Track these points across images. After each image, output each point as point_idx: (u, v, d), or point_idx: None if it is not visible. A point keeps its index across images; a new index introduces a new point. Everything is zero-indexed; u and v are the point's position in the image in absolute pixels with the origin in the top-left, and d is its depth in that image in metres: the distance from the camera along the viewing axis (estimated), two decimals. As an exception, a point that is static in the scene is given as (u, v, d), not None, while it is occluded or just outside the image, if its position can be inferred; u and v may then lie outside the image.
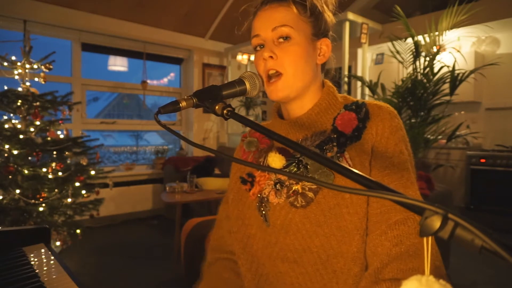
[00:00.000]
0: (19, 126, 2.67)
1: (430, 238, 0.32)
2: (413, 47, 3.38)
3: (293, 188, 0.72)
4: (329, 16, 0.77)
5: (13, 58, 2.73)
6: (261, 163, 0.80)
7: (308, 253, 0.68)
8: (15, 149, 2.51)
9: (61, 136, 2.87)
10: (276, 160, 0.74)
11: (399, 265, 0.60)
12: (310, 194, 0.70)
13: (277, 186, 0.74)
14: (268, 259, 0.73)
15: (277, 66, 0.71)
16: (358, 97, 4.20)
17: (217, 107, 0.58)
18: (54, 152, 2.75)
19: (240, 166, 0.88)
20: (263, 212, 0.75)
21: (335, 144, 0.71)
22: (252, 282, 0.77)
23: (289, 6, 0.71)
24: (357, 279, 0.66)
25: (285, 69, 0.71)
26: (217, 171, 4.06)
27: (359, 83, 4.11)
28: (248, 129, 0.88)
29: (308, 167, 0.71)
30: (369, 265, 0.66)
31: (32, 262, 0.80)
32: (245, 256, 0.78)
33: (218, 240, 0.90)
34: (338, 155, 0.70)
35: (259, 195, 0.77)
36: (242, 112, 4.82)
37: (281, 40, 0.71)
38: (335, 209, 0.67)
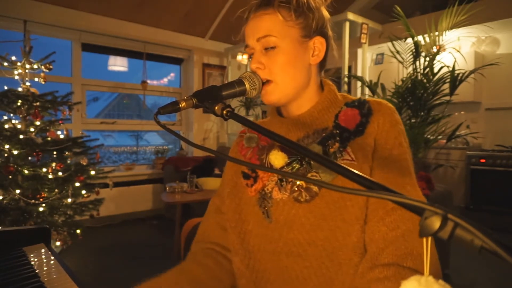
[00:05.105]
0: (19, 126, 2.67)
1: (430, 238, 0.32)
2: (413, 47, 3.38)
3: (297, 183, 0.72)
4: (321, 13, 0.76)
5: (13, 58, 2.73)
6: (263, 161, 0.80)
7: (313, 246, 0.69)
8: (15, 149, 2.51)
9: (61, 136, 2.87)
10: (278, 158, 0.75)
11: (393, 250, 0.62)
12: (315, 188, 0.70)
13: (282, 182, 0.75)
14: (271, 255, 0.73)
15: (267, 75, 0.72)
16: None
17: (216, 108, 0.58)
18: (54, 152, 2.75)
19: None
20: (265, 208, 0.75)
21: (337, 139, 0.72)
22: (250, 278, 0.76)
23: (273, 12, 0.71)
24: (356, 269, 0.66)
25: (274, 77, 0.72)
26: (217, 171, 4.06)
27: (359, 83, 4.11)
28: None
29: (311, 163, 0.72)
30: (367, 251, 0.67)
31: (32, 262, 0.80)
32: (243, 252, 0.78)
33: (203, 234, 0.89)
34: (341, 149, 0.71)
35: (260, 191, 0.77)
36: (242, 112, 4.82)
37: (268, 49, 0.72)
38: (339, 202, 0.68)
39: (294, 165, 0.74)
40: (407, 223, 0.63)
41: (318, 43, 0.75)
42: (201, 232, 0.90)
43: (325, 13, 0.77)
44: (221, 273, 0.82)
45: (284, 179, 0.75)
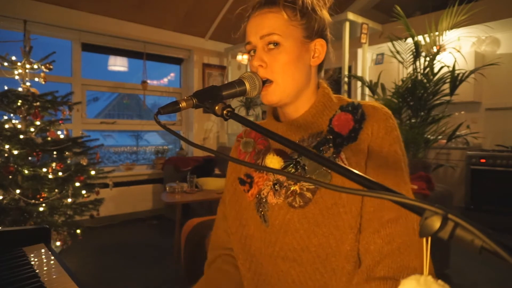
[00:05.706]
0: (19, 126, 2.67)
1: (429, 238, 0.32)
2: (413, 47, 3.38)
3: (292, 188, 0.72)
4: (323, 15, 0.76)
5: (13, 58, 2.73)
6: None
7: (307, 252, 0.69)
8: (15, 149, 2.51)
9: (61, 136, 2.87)
10: (274, 162, 0.74)
11: (389, 263, 0.62)
12: (308, 194, 0.70)
13: (276, 186, 0.75)
14: (269, 258, 0.74)
15: (268, 74, 0.71)
16: (358, 97, 4.20)
17: (217, 108, 0.58)
18: (54, 152, 2.75)
19: (236, 166, 0.88)
20: (262, 213, 0.76)
21: (331, 145, 0.72)
22: (251, 281, 0.78)
23: (278, 11, 0.71)
24: (350, 277, 0.67)
25: (275, 77, 0.71)
26: (217, 171, 4.06)
27: (359, 83, 4.11)
28: (244, 128, 0.88)
29: (306, 168, 0.72)
30: (361, 262, 0.67)
31: (32, 262, 0.80)
32: (244, 256, 0.79)
33: (217, 240, 0.91)
34: (334, 155, 0.71)
35: (257, 196, 0.78)
36: (242, 112, 4.82)
37: (271, 46, 0.71)
38: (333, 208, 0.68)
39: (289, 169, 0.74)
40: (403, 236, 0.64)
41: (319, 45, 0.75)
42: (215, 239, 0.92)
43: (327, 16, 0.77)
44: (241, 277, 0.84)
45: (278, 184, 0.75)
